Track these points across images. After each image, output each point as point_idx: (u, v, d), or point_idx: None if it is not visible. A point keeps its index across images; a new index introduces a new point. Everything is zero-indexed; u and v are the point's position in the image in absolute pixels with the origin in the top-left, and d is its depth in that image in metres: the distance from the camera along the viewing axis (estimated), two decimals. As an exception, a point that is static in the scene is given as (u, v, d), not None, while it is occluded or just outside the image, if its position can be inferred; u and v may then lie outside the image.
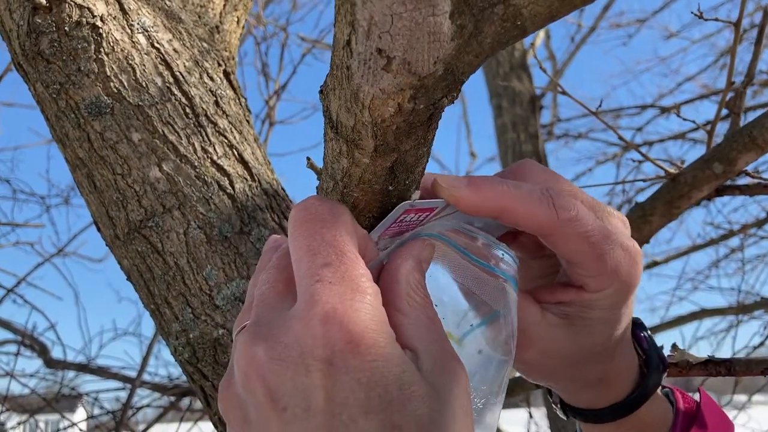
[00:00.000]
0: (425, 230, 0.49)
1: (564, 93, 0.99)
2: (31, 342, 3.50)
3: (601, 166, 5.23)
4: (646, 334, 0.57)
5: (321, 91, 0.44)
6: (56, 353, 3.44)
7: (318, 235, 0.40)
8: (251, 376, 0.35)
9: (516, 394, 1.17)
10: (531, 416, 3.25)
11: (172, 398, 3.20)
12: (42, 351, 3.51)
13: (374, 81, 0.37)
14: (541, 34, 4.47)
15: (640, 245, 1.08)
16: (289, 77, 2.79)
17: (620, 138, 0.95)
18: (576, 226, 0.47)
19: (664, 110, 4.33)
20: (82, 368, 3.42)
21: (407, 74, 0.37)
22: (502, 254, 0.50)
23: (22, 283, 2.69)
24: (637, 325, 0.57)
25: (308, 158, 0.53)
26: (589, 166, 5.47)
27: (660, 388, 0.56)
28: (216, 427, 0.75)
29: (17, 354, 3.27)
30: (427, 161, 0.48)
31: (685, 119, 1.01)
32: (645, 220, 1.05)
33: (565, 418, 0.59)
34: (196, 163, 0.71)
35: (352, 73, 0.38)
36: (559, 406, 0.59)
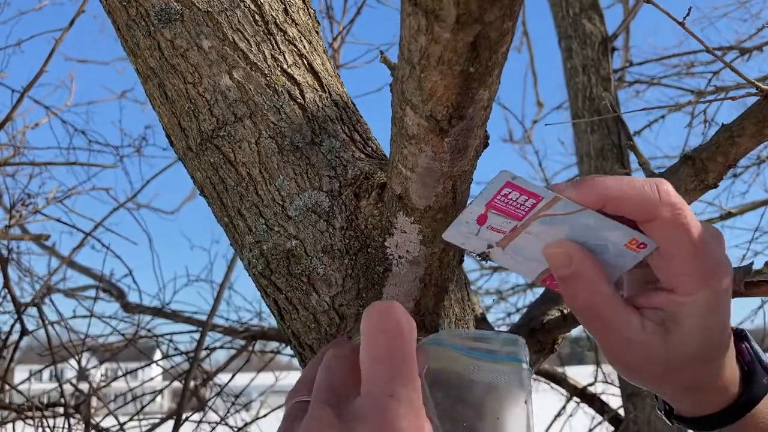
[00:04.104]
0: (435, 337, 0.53)
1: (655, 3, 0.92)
2: (109, 287, 3.65)
3: (673, 114, 5.01)
4: (748, 345, 0.57)
5: (399, -40, 0.41)
6: (132, 298, 3.58)
7: (400, 351, 0.42)
8: None
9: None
10: (599, 367, 3.21)
11: (243, 342, 3.29)
12: (119, 295, 3.66)
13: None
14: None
15: (727, 168, 1.02)
16: (353, 18, 2.73)
17: (707, 49, 0.89)
18: (679, 214, 0.48)
19: (744, 52, 4.09)
20: (157, 312, 3.54)
21: None
22: (513, 349, 0.53)
23: (99, 229, 2.78)
24: (739, 336, 0.57)
25: (382, 52, 0.51)
26: (662, 113, 5.24)
27: None
28: (290, 340, 0.75)
29: (97, 298, 3.42)
30: (512, 41, 0.45)
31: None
32: (732, 142, 0.99)
33: (670, 424, 0.60)
34: (266, 71, 0.69)
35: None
36: (663, 413, 0.60)
